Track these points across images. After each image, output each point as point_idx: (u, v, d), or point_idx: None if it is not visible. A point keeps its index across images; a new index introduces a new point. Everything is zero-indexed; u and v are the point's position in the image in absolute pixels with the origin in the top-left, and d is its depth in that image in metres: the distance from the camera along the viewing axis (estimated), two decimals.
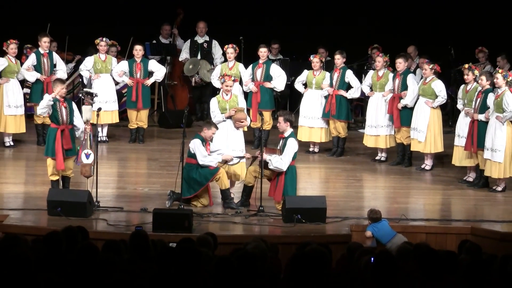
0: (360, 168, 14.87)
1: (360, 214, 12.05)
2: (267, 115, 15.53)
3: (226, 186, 12.25)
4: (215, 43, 17.64)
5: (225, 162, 12.30)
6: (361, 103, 17.73)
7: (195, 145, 12.13)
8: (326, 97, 15.40)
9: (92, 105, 12.78)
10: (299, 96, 16.16)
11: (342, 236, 11.27)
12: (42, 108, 12.31)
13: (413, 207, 12.85)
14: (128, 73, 16.09)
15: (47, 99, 12.22)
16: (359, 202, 12.92)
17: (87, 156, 12.13)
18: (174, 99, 18.34)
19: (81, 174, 12.31)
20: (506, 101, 12.96)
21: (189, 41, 17.94)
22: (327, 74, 15.49)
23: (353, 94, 15.44)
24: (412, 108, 14.51)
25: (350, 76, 15.38)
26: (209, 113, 13.27)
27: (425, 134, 14.30)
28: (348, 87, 15.39)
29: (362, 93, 15.58)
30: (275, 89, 15.82)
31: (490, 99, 13.25)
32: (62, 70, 15.71)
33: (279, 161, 11.98)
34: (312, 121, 15.52)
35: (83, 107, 12.76)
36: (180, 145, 12.28)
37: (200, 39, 17.89)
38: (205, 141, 12.21)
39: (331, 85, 15.37)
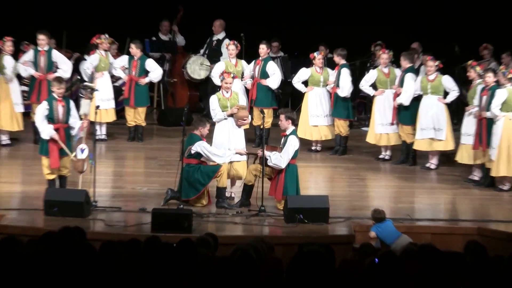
0: (364, 167, 14.83)
1: (363, 214, 11.98)
2: (267, 112, 15.47)
3: (224, 185, 12.16)
4: (225, 42, 17.04)
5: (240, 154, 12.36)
6: (364, 101, 17.67)
7: (203, 148, 11.98)
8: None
9: (90, 100, 12.64)
10: (300, 94, 16.06)
11: (345, 237, 11.23)
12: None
13: (418, 207, 12.80)
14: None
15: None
16: (363, 201, 12.87)
17: (82, 150, 12.04)
18: (174, 96, 18.26)
19: (74, 169, 12.22)
20: None
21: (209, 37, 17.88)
22: (330, 70, 15.43)
23: (341, 93, 15.26)
24: (410, 107, 14.45)
25: (344, 74, 15.23)
26: (209, 111, 13.09)
27: (445, 131, 14.24)
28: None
29: (359, 91, 15.57)
30: (270, 86, 15.70)
31: None
32: (63, 70, 15.29)
33: (278, 158, 11.91)
34: (325, 119, 15.43)
35: (82, 101, 12.66)
36: (180, 144, 12.22)
37: (214, 37, 17.79)
38: (202, 139, 12.12)
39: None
